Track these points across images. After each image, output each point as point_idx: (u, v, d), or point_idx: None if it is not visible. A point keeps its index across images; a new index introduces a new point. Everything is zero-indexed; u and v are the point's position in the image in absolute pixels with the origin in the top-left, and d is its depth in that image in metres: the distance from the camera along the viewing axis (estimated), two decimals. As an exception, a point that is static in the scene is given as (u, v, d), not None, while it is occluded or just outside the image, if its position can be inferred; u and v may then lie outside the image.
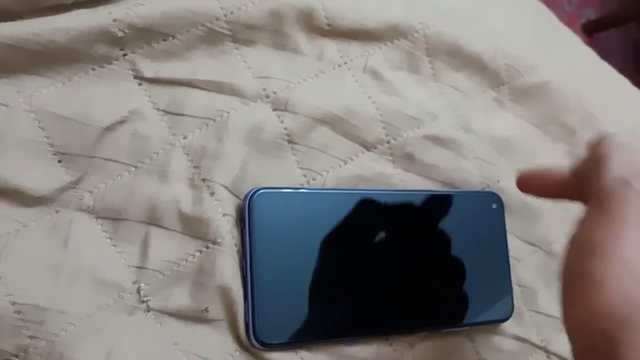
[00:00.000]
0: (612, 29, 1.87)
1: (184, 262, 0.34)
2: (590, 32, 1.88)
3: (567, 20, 1.80)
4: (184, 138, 0.36)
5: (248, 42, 0.38)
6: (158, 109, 0.35)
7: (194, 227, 0.35)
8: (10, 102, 0.32)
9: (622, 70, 0.59)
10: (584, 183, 0.32)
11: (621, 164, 0.30)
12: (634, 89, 0.58)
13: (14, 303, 0.30)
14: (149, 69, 0.35)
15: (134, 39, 0.35)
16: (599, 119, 0.50)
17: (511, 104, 0.47)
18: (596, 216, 0.29)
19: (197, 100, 0.36)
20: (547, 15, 0.55)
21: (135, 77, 0.35)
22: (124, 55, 0.35)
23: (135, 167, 0.34)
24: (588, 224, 0.29)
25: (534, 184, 0.37)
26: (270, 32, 0.39)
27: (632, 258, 0.27)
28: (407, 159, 0.41)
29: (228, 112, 0.37)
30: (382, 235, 0.38)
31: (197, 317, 0.34)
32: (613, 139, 0.32)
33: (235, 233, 0.35)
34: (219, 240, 0.34)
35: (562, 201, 0.35)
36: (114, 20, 0.34)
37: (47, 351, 0.30)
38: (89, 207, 0.33)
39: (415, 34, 0.43)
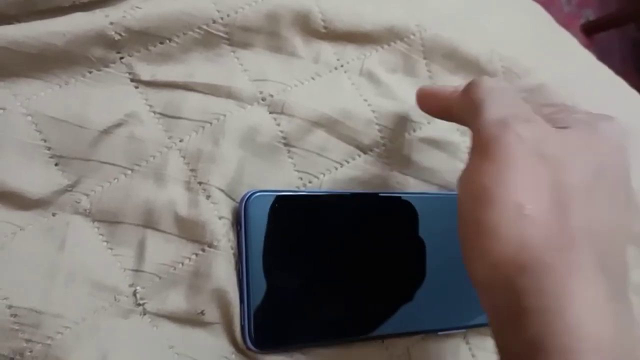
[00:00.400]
0: (612, 29, 1.87)
1: (180, 265, 0.34)
2: (590, 32, 1.88)
3: (566, 20, 1.81)
4: (180, 141, 0.36)
5: (244, 45, 0.38)
6: (154, 112, 0.36)
7: (190, 230, 0.35)
8: (7, 105, 0.32)
9: (621, 70, 0.59)
10: (464, 122, 0.32)
11: (498, 105, 0.30)
12: (631, 90, 0.58)
13: (10, 306, 0.30)
14: (146, 72, 0.36)
15: (131, 42, 0.35)
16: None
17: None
18: (481, 162, 0.28)
19: (193, 103, 0.36)
20: (545, 17, 0.55)
21: (132, 80, 0.35)
22: (121, 58, 0.35)
23: (132, 170, 0.35)
24: (475, 171, 0.29)
25: (428, 101, 0.37)
26: (267, 34, 0.39)
27: (523, 201, 0.26)
28: (404, 162, 0.41)
29: (224, 115, 0.37)
30: (378, 237, 0.38)
31: (193, 320, 0.34)
32: (488, 82, 0.32)
33: (232, 236, 0.35)
34: (215, 243, 0.34)
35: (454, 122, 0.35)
36: (111, 24, 0.34)
37: (43, 354, 0.31)
38: (85, 210, 0.33)
39: (412, 37, 0.43)
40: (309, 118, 0.38)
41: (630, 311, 0.27)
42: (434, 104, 0.37)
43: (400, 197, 0.40)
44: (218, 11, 0.37)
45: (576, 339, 0.24)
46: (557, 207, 0.26)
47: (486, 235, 0.27)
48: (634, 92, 0.58)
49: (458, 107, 0.33)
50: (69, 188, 0.33)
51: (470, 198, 0.28)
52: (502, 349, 0.28)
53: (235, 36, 0.38)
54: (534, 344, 0.25)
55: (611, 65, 0.58)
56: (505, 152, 0.27)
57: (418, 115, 0.42)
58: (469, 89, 0.32)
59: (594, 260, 0.26)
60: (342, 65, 0.41)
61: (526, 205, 0.26)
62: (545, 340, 0.25)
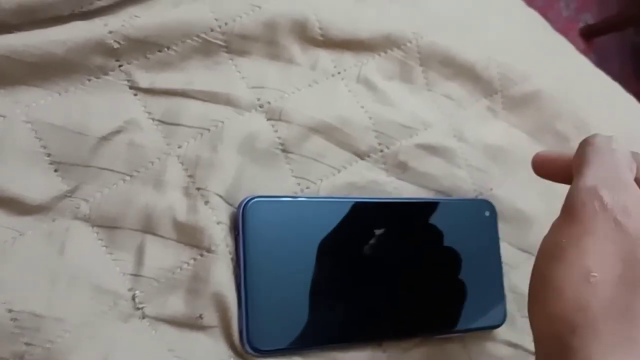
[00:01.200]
0: (611, 33, 1.87)
1: (179, 269, 0.35)
2: (589, 37, 1.89)
3: (565, 25, 1.81)
4: (179, 147, 0.36)
5: (242, 53, 0.39)
6: (153, 119, 0.36)
7: (188, 235, 0.35)
8: (8, 113, 0.33)
9: (620, 74, 0.60)
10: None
11: (596, 172, 0.30)
12: (628, 96, 0.59)
13: (10, 310, 0.31)
14: (145, 79, 0.36)
15: (130, 50, 0.35)
16: (592, 127, 0.50)
17: (504, 113, 0.48)
18: (564, 224, 0.30)
19: (192, 110, 0.37)
20: (541, 24, 0.55)
21: (131, 88, 0.36)
22: (120, 66, 0.35)
23: (131, 176, 0.35)
24: (556, 230, 0.30)
25: (547, 167, 0.37)
26: (265, 42, 0.39)
27: (592, 268, 0.27)
28: (400, 168, 0.42)
29: (223, 122, 0.37)
30: (375, 243, 0.39)
31: (192, 324, 0.34)
32: (598, 142, 0.32)
33: (230, 241, 0.36)
34: (213, 248, 0.35)
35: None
36: (110, 32, 0.34)
37: (44, 358, 0.31)
38: (85, 216, 0.34)
39: (408, 44, 0.43)
40: (306, 124, 0.39)
41: None
42: (554, 171, 0.36)
43: (397, 202, 0.40)
44: (216, 20, 0.37)
45: None
46: (627, 282, 0.27)
47: (550, 291, 0.28)
48: (630, 97, 0.59)
49: (572, 164, 0.33)
50: (69, 194, 0.34)
51: (546, 253, 0.30)
52: None
53: (234, 44, 0.38)
54: None
55: (610, 70, 0.59)
56: (587, 218, 0.28)
57: (415, 121, 0.42)
58: (581, 146, 0.33)
59: None
60: (339, 73, 0.41)
61: (593, 272, 0.27)
62: None
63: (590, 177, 0.30)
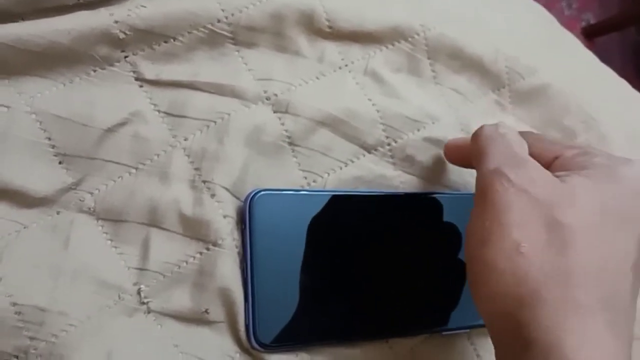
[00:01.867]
0: (612, 33, 1.87)
1: (185, 263, 0.34)
2: (590, 36, 1.89)
3: (567, 24, 1.81)
4: (184, 140, 0.36)
5: (249, 44, 0.38)
6: (159, 111, 0.36)
7: (194, 229, 0.35)
8: (12, 103, 0.32)
9: (622, 73, 0.59)
10: None
11: (495, 155, 0.32)
12: (634, 92, 0.58)
13: (14, 304, 0.30)
14: (150, 70, 0.36)
15: (135, 40, 0.35)
16: (599, 122, 0.50)
17: (512, 107, 0.47)
18: (481, 208, 0.31)
19: (198, 102, 0.36)
20: (548, 19, 0.55)
21: (137, 79, 0.35)
22: (125, 57, 0.35)
23: (136, 168, 0.35)
24: (476, 215, 0.31)
25: (453, 153, 0.40)
26: (272, 34, 0.39)
27: (520, 239, 0.28)
28: (408, 161, 0.41)
29: (229, 114, 0.37)
30: (382, 237, 0.38)
31: (198, 319, 0.34)
32: (487, 132, 0.34)
33: (236, 235, 0.35)
34: (219, 241, 0.34)
35: None
36: (116, 22, 0.34)
37: (47, 352, 0.30)
38: (89, 209, 0.33)
39: (416, 36, 0.43)
40: (313, 117, 0.38)
41: (629, 345, 0.28)
42: (462, 157, 0.39)
43: (404, 196, 0.40)
44: (223, 10, 0.37)
45: None
46: (554, 245, 0.28)
47: (487, 271, 0.29)
48: (636, 93, 0.58)
49: (471, 157, 0.35)
50: (73, 186, 0.33)
51: (474, 240, 0.31)
52: None
53: (240, 35, 0.38)
54: None
55: (612, 69, 0.58)
56: (500, 198, 0.30)
57: (422, 114, 0.42)
58: (473, 140, 0.35)
59: (593, 295, 0.27)
60: (346, 65, 0.41)
61: (522, 243, 0.28)
62: None
63: (490, 162, 0.32)
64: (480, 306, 0.31)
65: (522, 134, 0.35)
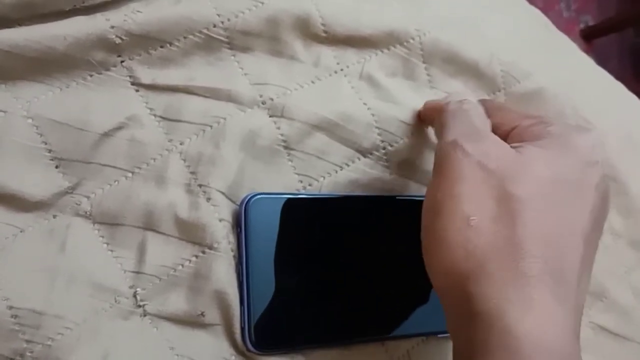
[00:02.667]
0: (611, 34, 1.88)
1: (181, 267, 0.34)
2: (589, 37, 1.89)
3: (566, 26, 1.81)
4: (180, 144, 0.36)
5: (245, 49, 0.38)
6: (155, 115, 0.36)
7: (190, 232, 0.35)
8: (8, 108, 0.32)
9: (620, 75, 0.60)
10: None
11: (453, 128, 0.33)
12: (630, 94, 0.58)
13: (10, 307, 0.30)
14: (146, 75, 0.36)
15: (132, 45, 0.35)
16: (594, 125, 0.50)
17: (507, 110, 0.47)
18: (436, 179, 0.31)
19: (194, 106, 0.36)
20: (543, 22, 0.55)
21: (133, 84, 0.36)
22: (122, 61, 0.35)
23: (132, 172, 0.35)
24: (432, 187, 0.32)
25: (427, 114, 0.40)
26: (267, 38, 0.39)
27: (470, 212, 0.29)
28: (403, 165, 0.41)
29: (225, 119, 0.37)
30: (377, 240, 0.38)
31: (193, 322, 0.34)
32: (451, 106, 0.35)
33: (232, 238, 0.35)
34: (215, 245, 0.35)
35: None
36: (112, 27, 0.34)
37: (44, 355, 0.31)
38: (86, 213, 0.34)
39: (411, 41, 0.43)
40: (309, 121, 0.39)
41: (577, 314, 0.28)
42: (431, 119, 0.40)
43: (399, 200, 0.40)
44: (218, 15, 0.37)
45: (516, 340, 0.25)
46: (503, 217, 0.28)
47: (438, 244, 0.30)
48: (633, 96, 0.58)
49: (435, 130, 0.36)
50: (70, 190, 0.33)
51: (427, 210, 0.31)
52: (455, 351, 0.29)
53: (236, 40, 0.38)
54: (480, 346, 0.27)
55: (609, 71, 0.58)
56: (454, 169, 0.30)
57: (417, 118, 0.42)
58: (438, 112, 0.35)
59: (540, 266, 0.27)
60: (342, 69, 0.41)
61: (472, 216, 0.29)
62: (489, 342, 0.26)
63: (449, 134, 0.32)
64: (431, 278, 0.31)
65: (483, 102, 0.36)
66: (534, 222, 0.28)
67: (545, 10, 0.56)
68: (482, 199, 0.29)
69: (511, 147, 0.31)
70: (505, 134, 0.34)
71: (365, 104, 0.41)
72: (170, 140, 0.36)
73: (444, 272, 0.29)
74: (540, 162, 0.30)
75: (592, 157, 0.31)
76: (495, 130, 0.34)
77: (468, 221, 0.28)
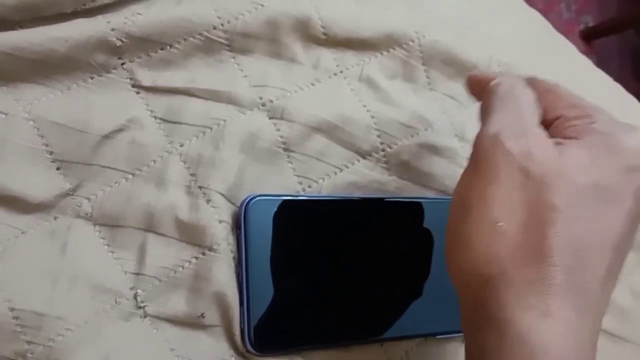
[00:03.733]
0: (611, 35, 1.87)
1: (181, 268, 0.35)
2: (589, 38, 1.89)
3: (566, 27, 1.81)
4: (181, 146, 0.36)
5: (245, 51, 0.39)
6: (155, 117, 0.36)
7: (190, 234, 0.35)
8: (10, 110, 0.33)
9: (620, 76, 0.60)
10: None
11: (498, 119, 0.30)
12: (629, 96, 0.58)
13: (12, 309, 0.31)
14: (147, 77, 0.36)
15: (132, 48, 0.35)
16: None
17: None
18: (471, 176, 0.30)
19: (194, 108, 0.37)
20: (542, 24, 0.55)
21: (133, 86, 0.36)
22: (122, 64, 0.35)
23: (133, 174, 0.35)
24: (464, 183, 0.30)
25: (474, 85, 0.37)
26: (267, 41, 0.39)
27: (499, 218, 0.28)
28: (402, 167, 0.42)
29: (225, 120, 0.37)
30: (377, 242, 0.39)
31: (193, 323, 0.34)
32: (502, 89, 0.32)
33: (232, 240, 0.36)
34: (215, 246, 0.35)
35: None
36: (112, 30, 0.34)
37: (45, 356, 0.31)
38: (87, 214, 0.34)
39: (411, 43, 0.43)
40: (308, 123, 0.39)
41: (595, 325, 0.27)
42: (477, 91, 0.37)
43: (398, 201, 0.40)
44: (218, 18, 0.37)
45: (529, 347, 0.25)
46: (533, 225, 0.27)
47: (461, 245, 0.29)
48: (632, 98, 0.58)
49: (480, 111, 0.33)
50: (71, 192, 0.34)
51: (456, 208, 0.30)
52: (468, 354, 0.29)
53: (236, 42, 0.38)
54: (492, 352, 0.26)
55: (610, 71, 0.58)
56: (492, 169, 0.28)
57: (417, 120, 0.42)
58: (486, 94, 0.33)
59: (561, 275, 0.26)
60: (341, 71, 0.41)
61: (500, 222, 0.27)
62: (502, 348, 0.26)
63: (493, 124, 0.30)
64: (450, 276, 0.30)
65: (534, 83, 0.33)
66: (564, 232, 0.27)
67: (545, 11, 0.57)
68: (514, 205, 0.28)
69: (555, 142, 0.29)
70: (549, 122, 0.31)
71: (364, 106, 0.41)
72: (170, 142, 0.36)
73: (464, 274, 0.29)
74: (580, 167, 0.28)
75: (636, 160, 0.29)
76: (540, 114, 0.31)
77: (495, 227, 0.27)
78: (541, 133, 0.30)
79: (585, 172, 0.28)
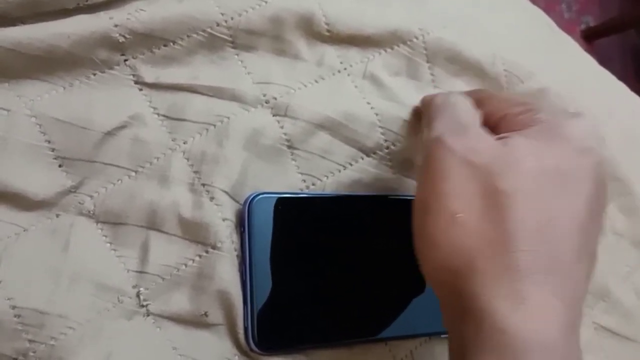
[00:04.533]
0: (612, 35, 1.88)
1: (184, 266, 0.34)
2: (590, 38, 1.89)
3: (567, 27, 1.81)
4: (184, 143, 0.36)
5: (248, 48, 0.38)
6: (158, 114, 0.36)
7: (193, 232, 0.35)
8: (12, 106, 0.32)
9: (621, 76, 0.59)
10: None
11: (438, 123, 0.32)
12: (633, 95, 0.58)
13: (13, 307, 0.30)
14: (150, 74, 0.36)
15: (135, 44, 0.35)
16: (597, 125, 0.50)
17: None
18: (422, 177, 0.31)
19: (197, 105, 0.36)
20: (546, 22, 0.55)
21: (136, 82, 0.36)
22: (125, 60, 0.35)
23: (136, 171, 0.35)
24: (419, 185, 0.31)
25: (413, 116, 0.39)
26: (271, 37, 0.39)
27: (456, 209, 0.28)
28: (406, 165, 0.41)
29: (228, 118, 0.37)
30: (382, 240, 0.38)
31: (197, 322, 0.34)
32: (438, 99, 0.34)
33: (235, 238, 0.35)
34: (218, 244, 0.34)
35: None
36: (115, 26, 0.34)
37: (47, 355, 0.31)
38: (89, 212, 0.34)
39: (415, 40, 0.43)
40: (312, 121, 0.38)
41: (575, 307, 0.27)
42: (417, 120, 0.39)
43: (403, 199, 0.40)
44: (222, 14, 0.37)
45: (507, 336, 0.25)
46: (490, 213, 0.27)
47: (426, 242, 0.29)
48: (635, 96, 0.58)
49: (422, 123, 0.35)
50: (73, 189, 0.33)
51: (416, 209, 0.31)
52: (450, 348, 0.29)
53: (239, 39, 0.38)
54: (471, 343, 0.26)
55: (611, 72, 0.58)
56: (439, 166, 0.30)
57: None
58: (424, 105, 0.35)
59: (531, 259, 0.26)
60: (345, 69, 0.41)
61: (458, 213, 0.28)
62: (480, 339, 0.26)
63: (434, 129, 0.31)
64: (425, 276, 0.30)
65: (474, 92, 0.35)
66: (523, 215, 0.27)
67: (546, 11, 0.56)
68: (468, 196, 0.28)
69: (497, 138, 0.30)
70: (495, 123, 0.32)
71: (368, 103, 0.41)
72: (173, 139, 0.36)
73: (435, 270, 0.29)
74: (527, 153, 0.29)
75: (584, 143, 0.29)
76: (486, 120, 0.32)
77: (455, 218, 0.28)
78: (481, 130, 0.31)
79: (532, 157, 0.29)
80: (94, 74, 0.35)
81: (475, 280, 0.27)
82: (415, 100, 0.42)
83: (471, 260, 0.27)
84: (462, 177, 0.29)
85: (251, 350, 0.34)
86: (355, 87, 0.41)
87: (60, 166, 0.33)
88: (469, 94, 0.35)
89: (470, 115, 0.32)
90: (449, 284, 0.28)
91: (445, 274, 0.28)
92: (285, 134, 0.38)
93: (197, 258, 0.35)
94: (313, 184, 0.38)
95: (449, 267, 0.28)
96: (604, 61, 0.59)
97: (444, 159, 0.29)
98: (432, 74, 0.44)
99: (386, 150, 0.41)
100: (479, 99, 0.34)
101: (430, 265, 0.29)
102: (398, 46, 0.43)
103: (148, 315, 0.34)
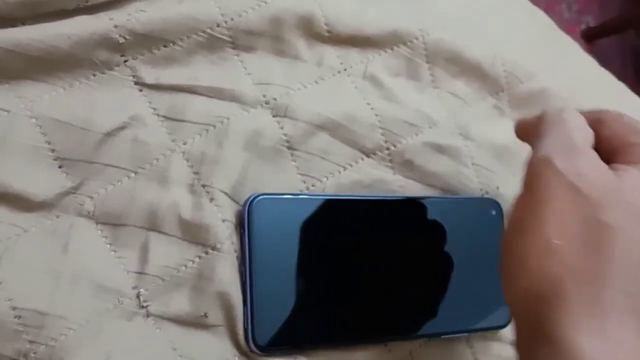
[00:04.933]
0: (612, 35, 1.87)
1: (184, 267, 0.34)
2: (590, 38, 1.89)
3: (567, 27, 1.81)
4: (184, 144, 0.36)
5: (248, 49, 0.38)
6: (158, 115, 0.36)
7: (193, 233, 0.35)
8: (12, 107, 0.32)
9: (621, 76, 0.59)
10: None
11: (550, 143, 0.30)
12: (633, 95, 0.58)
13: (14, 308, 0.30)
14: (150, 75, 0.36)
15: (135, 45, 0.35)
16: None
17: (510, 111, 0.47)
18: (523, 197, 0.30)
19: (197, 106, 0.36)
20: (547, 22, 0.55)
21: (136, 83, 0.36)
22: (125, 61, 0.35)
23: (136, 172, 0.35)
24: (518, 204, 0.30)
25: (522, 129, 0.36)
26: (271, 38, 0.39)
27: (553, 236, 0.27)
28: (406, 166, 0.41)
29: (228, 118, 0.37)
30: (380, 241, 0.38)
31: (196, 323, 0.34)
32: (550, 116, 0.32)
33: (235, 239, 0.35)
34: (218, 246, 0.34)
35: None
36: (115, 27, 0.34)
37: (47, 356, 0.31)
38: (89, 213, 0.33)
39: (415, 41, 0.43)
40: (312, 121, 0.38)
41: None
42: (525, 134, 0.36)
43: (403, 200, 0.40)
44: (222, 15, 0.37)
45: None
46: (589, 245, 0.27)
47: (516, 263, 0.29)
48: (634, 96, 0.58)
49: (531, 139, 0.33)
50: (73, 190, 0.33)
51: (510, 227, 0.30)
52: None
53: (239, 40, 0.38)
54: None
55: (611, 72, 0.58)
56: (544, 189, 0.28)
57: (421, 119, 0.42)
58: (536, 120, 0.33)
59: (622, 298, 0.26)
60: (345, 69, 0.41)
61: (554, 240, 0.27)
62: None
63: (543, 148, 0.30)
64: (505, 294, 0.30)
65: (598, 112, 0.33)
66: (623, 253, 0.26)
67: (546, 11, 0.56)
68: (569, 223, 0.27)
69: (612, 167, 0.29)
70: (613, 150, 0.31)
71: (368, 104, 0.41)
72: (173, 140, 0.36)
73: (519, 293, 0.28)
74: (636, 190, 0.28)
75: None
76: (603, 144, 0.31)
77: (550, 245, 0.27)
78: (593, 154, 0.29)
79: None
80: (94, 75, 0.35)
81: (562, 309, 0.26)
82: (415, 100, 0.42)
83: (560, 288, 0.26)
84: (565, 203, 0.28)
85: (251, 351, 0.34)
86: (355, 87, 0.41)
87: (60, 167, 0.33)
88: (591, 112, 0.33)
89: (583, 136, 0.30)
90: (531, 308, 0.28)
91: (529, 298, 0.28)
92: (285, 134, 0.38)
93: (197, 259, 0.35)
94: (313, 185, 0.38)
95: (535, 292, 0.27)
96: (603, 61, 0.59)
97: (550, 180, 0.28)
98: (432, 75, 0.44)
99: (386, 151, 0.41)
100: (599, 119, 0.32)
101: (515, 286, 0.29)
102: (398, 47, 0.43)
103: (148, 316, 0.33)
